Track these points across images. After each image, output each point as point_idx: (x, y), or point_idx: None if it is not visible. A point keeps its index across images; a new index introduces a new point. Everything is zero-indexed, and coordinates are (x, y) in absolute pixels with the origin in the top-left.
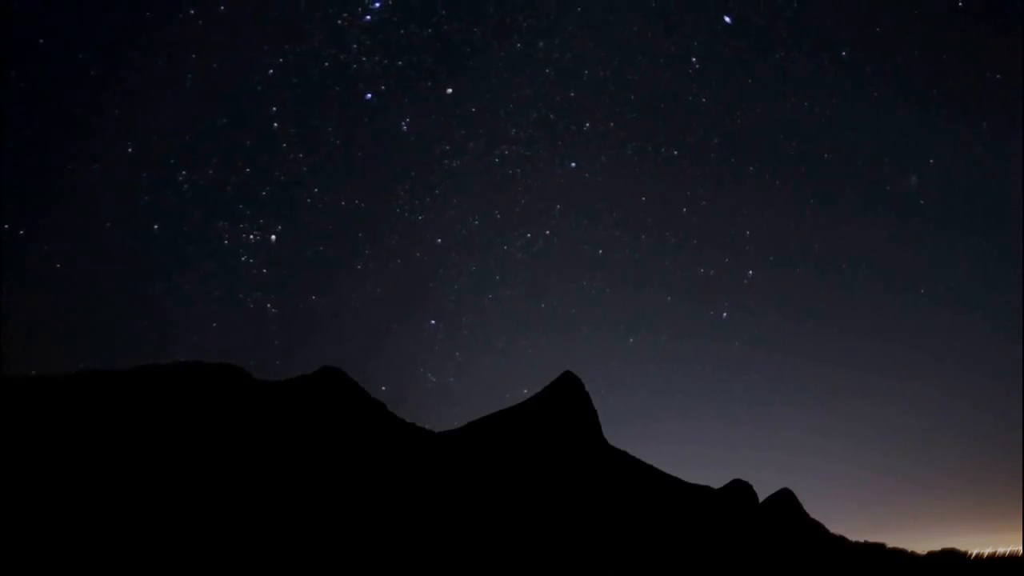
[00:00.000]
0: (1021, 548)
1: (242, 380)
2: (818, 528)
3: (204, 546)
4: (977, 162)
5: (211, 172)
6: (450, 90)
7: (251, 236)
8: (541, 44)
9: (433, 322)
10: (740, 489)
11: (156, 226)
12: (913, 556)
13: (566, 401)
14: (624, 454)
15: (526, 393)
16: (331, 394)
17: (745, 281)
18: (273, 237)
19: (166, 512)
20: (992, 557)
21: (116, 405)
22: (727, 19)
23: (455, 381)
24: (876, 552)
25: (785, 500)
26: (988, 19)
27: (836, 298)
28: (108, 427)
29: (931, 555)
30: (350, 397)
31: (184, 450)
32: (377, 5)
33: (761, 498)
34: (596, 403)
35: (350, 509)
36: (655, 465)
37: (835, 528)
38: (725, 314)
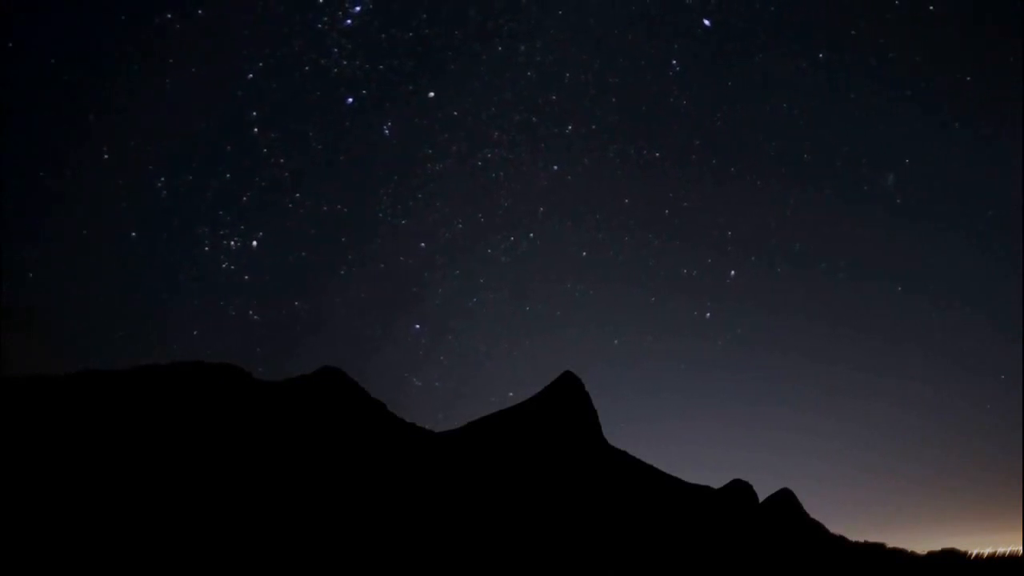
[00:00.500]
0: (1021, 548)
1: (242, 380)
2: (818, 528)
3: (206, 546)
4: (952, 161)
5: (190, 178)
6: (432, 94)
7: (232, 242)
8: (522, 48)
9: (418, 326)
10: (740, 489)
11: (134, 233)
12: (913, 556)
13: (566, 401)
14: (624, 454)
15: (512, 396)
16: (331, 394)
17: (727, 281)
18: (254, 243)
19: (167, 512)
20: (992, 557)
21: (116, 405)
22: (706, 22)
23: (440, 385)
24: (876, 552)
25: (785, 500)
26: (961, 21)
27: (819, 297)
28: (108, 427)
29: (931, 555)
30: (350, 397)
31: (185, 450)
32: (357, 9)
33: (761, 498)
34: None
35: (351, 509)
36: (655, 465)
37: (835, 528)
38: (708, 314)
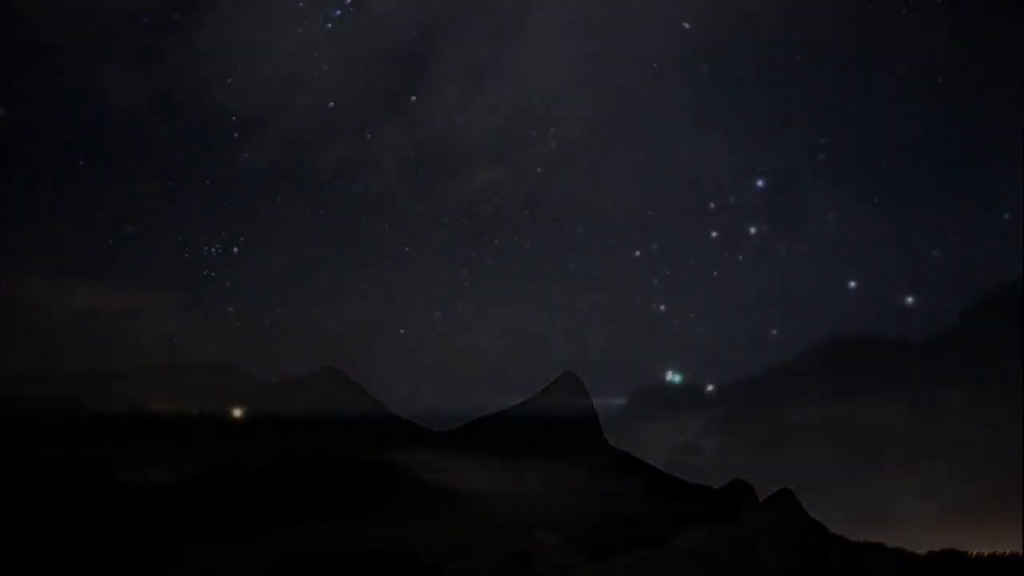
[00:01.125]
0: (1021, 548)
1: (243, 380)
2: (818, 528)
3: (207, 544)
4: (937, 160)
5: (169, 183)
6: (414, 98)
7: (212, 249)
8: (507, 52)
9: (403, 331)
10: (740, 489)
11: (110, 241)
12: (913, 556)
13: (567, 401)
14: (625, 454)
15: (503, 399)
16: (332, 393)
17: (714, 281)
18: (235, 249)
19: (168, 511)
20: (992, 557)
21: (116, 405)
22: (686, 25)
23: (428, 389)
24: (876, 552)
25: (785, 500)
26: (936, 24)
27: (809, 297)
28: (108, 426)
29: (931, 555)
30: (351, 396)
31: (186, 449)
32: (338, 13)
33: (761, 498)
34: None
35: (352, 507)
36: (655, 465)
37: (835, 528)
38: (692, 314)
